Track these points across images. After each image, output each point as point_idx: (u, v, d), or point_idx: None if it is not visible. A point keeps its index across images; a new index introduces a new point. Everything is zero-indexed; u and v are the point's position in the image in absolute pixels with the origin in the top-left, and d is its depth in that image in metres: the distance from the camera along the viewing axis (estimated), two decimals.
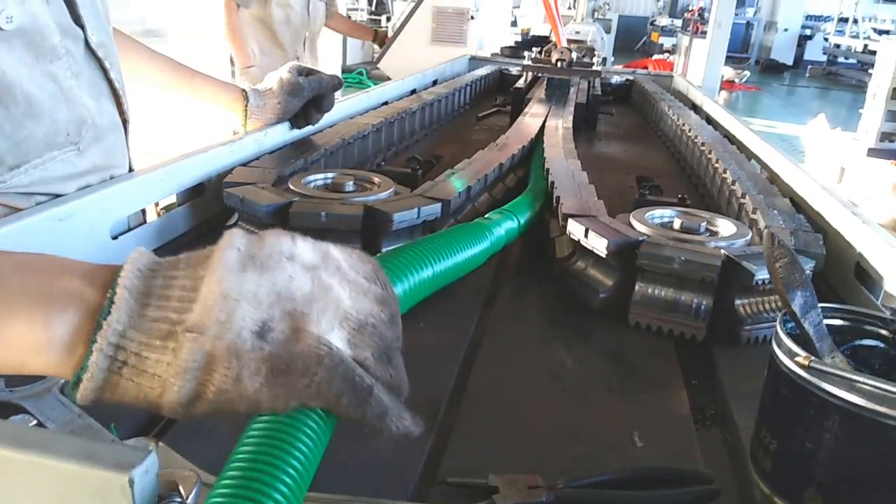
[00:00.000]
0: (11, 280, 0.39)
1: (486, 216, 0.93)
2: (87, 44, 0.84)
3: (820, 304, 0.60)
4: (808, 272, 0.83)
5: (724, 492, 0.54)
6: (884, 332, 0.59)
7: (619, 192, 1.37)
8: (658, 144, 1.91)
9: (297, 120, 1.26)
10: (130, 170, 0.96)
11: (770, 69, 15.25)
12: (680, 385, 0.70)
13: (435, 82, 2.38)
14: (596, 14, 5.18)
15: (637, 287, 0.81)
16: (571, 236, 0.88)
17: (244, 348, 0.37)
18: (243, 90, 1.20)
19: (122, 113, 0.93)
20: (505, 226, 0.92)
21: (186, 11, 4.48)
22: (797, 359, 0.51)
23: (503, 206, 1.00)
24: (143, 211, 0.94)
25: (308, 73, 1.24)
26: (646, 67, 11.10)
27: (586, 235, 0.85)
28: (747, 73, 12.49)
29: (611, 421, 0.63)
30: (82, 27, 0.82)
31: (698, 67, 2.98)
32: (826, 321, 0.60)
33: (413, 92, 2.09)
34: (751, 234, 0.87)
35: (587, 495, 0.52)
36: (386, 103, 1.81)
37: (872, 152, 4.98)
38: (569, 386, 0.69)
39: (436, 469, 0.56)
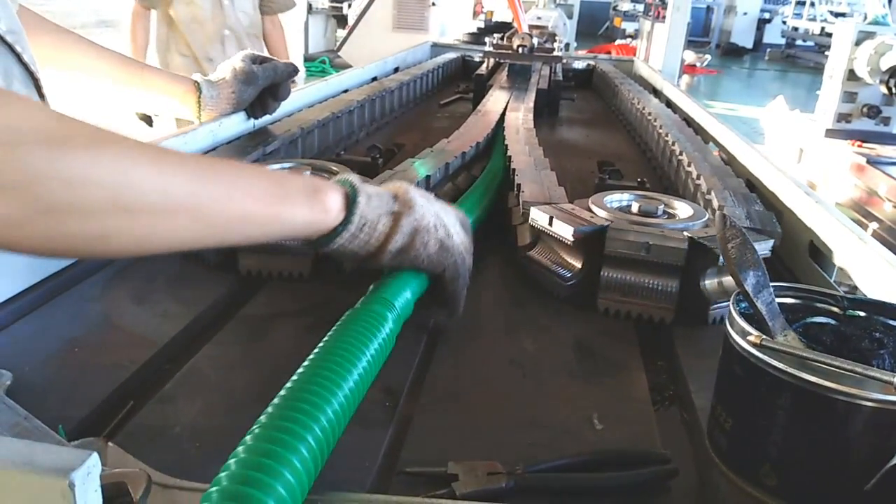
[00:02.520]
0: (287, 177, 0.68)
1: None
2: None
3: (772, 284, 0.60)
4: (766, 252, 0.85)
5: (682, 471, 0.55)
6: (835, 309, 0.60)
7: (580, 177, 1.38)
8: (619, 129, 1.93)
9: (252, 109, 1.24)
10: None
11: (730, 52, 15.45)
12: (640, 367, 0.71)
13: (396, 69, 2.36)
14: (558, 0, 5.19)
15: (603, 273, 0.81)
16: (535, 224, 0.88)
17: (431, 230, 0.68)
18: (195, 81, 1.17)
19: (41, 97, 0.89)
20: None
21: None
22: (749, 338, 0.52)
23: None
24: None
25: (262, 60, 1.22)
26: (609, 52, 11.16)
27: (550, 223, 0.85)
28: (708, 56, 12.64)
29: (570, 405, 0.64)
30: None
31: (660, 52, 3.01)
32: (779, 300, 0.60)
33: (374, 79, 2.07)
34: (707, 216, 0.88)
35: (546, 479, 0.52)
36: (346, 91, 1.80)
37: (830, 133, 5.07)
38: (529, 373, 0.69)
39: (395, 460, 0.55)
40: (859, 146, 4.90)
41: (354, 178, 0.67)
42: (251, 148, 1.12)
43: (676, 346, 0.75)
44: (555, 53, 2.28)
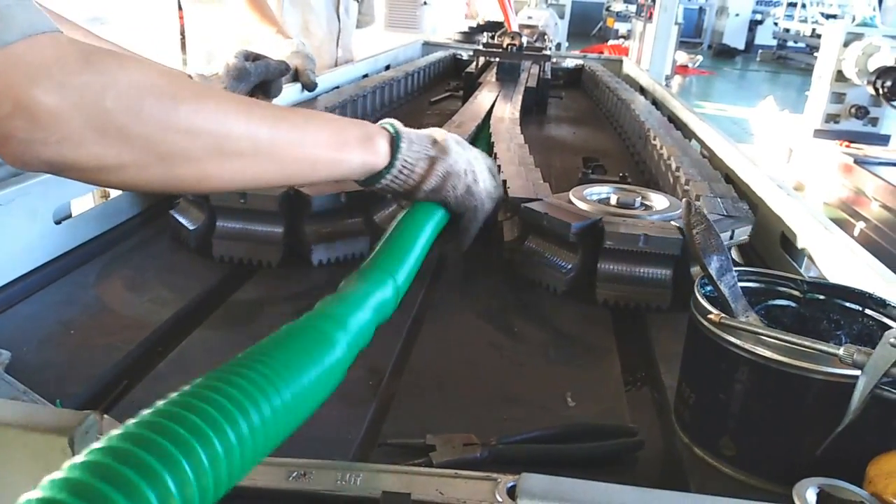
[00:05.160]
0: (346, 125, 0.74)
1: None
2: None
3: (736, 269, 0.64)
4: (745, 237, 0.88)
5: (649, 444, 0.58)
6: (795, 292, 0.64)
7: (565, 172, 1.41)
8: (606, 127, 1.96)
9: None
10: None
11: (722, 53, 15.52)
12: (613, 350, 0.74)
13: (387, 67, 2.38)
14: (549, 0, 5.22)
15: (601, 266, 0.83)
16: (529, 220, 0.90)
17: (461, 175, 0.78)
18: (189, 76, 1.19)
19: None
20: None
21: (132, 1, 4.38)
22: (710, 316, 0.55)
23: None
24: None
25: (255, 58, 1.25)
26: (601, 52, 11.19)
27: (545, 221, 0.87)
28: (700, 57, 12.70)
29: (545, 385, 0.67)
30: None
31: (649, 53, 3.05)
32: (743, 284, 0.64)
33: (365, 77, 2.10)
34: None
35: (518, 450, 0.55)
36: (337, 88, 1.82)
37: (818, 133, 5.12)
38: (506, 354, 0.72)
39: (377, 433, 0.58)
40: (847, 146, 4.95)
41: (398, 124, 0.77)
42: None
43: (650, 331, 0.78)
44: (544, 53, 2.31)
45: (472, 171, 0.81)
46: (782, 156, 5.60)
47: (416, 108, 2.12)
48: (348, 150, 0.71)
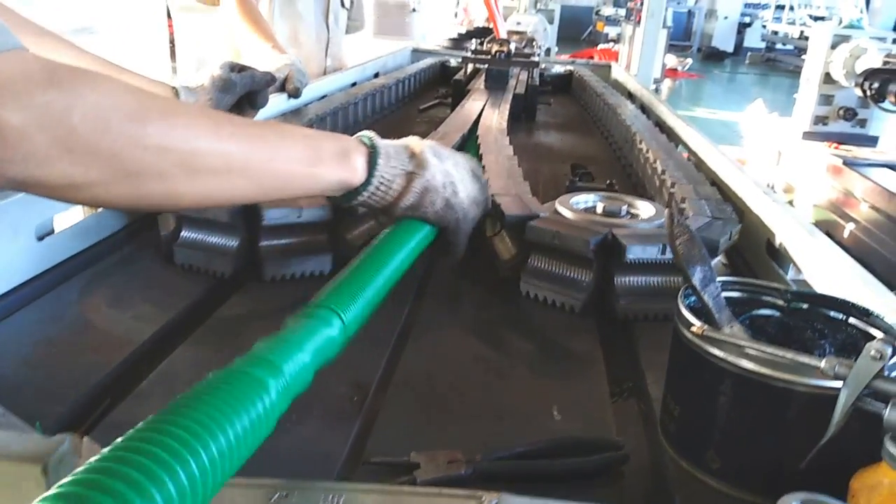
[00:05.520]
0: (321, 140, 0.72)
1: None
2: None
3: (720, 278, 0.64)
4: (732, 239, 0.88)
5: (636, 457, 0.58)
6: (779, 302, 0.64)
7: (553, 179, 1.41)
8: (594, 132, 1.96)
9: None
10: None
11: (712, 56, 15.61)
12: (600, 361, 0.74)
13: (377, 75, 2.38)
14: (538, 5, 5.22)
15: (618, 280, 0.82)
16: (536, 239, 0.86)
17: (439, 189, 0.77)
18: (174, 87, 1.19)
19: None
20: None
21: (118, 8, 4.37)
22: (693, 328, 0.55)
23: None
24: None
25: (241, 69, 1.24)
26: (591, 57, 11.22)
27: (556, 239, 0.84)
28: (690, 60, 12.75)
29: (531, 398, 0.66)
30: None
31: (639, 57, 3.06)
32: (726, 294, 0.64)
33: (353, 85, 2.10)
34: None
35: (503, 466, 0.55)
36: (324, 97, 1.82)
37: (807, 135, 5.15)
38: (493, 367, 0.72)
39: (362, 450, 0.58)
40: (836, 148, 4.98)
41: (376, 137, 0.76)
42: None
43: (636, 340, 0.78)
44: (533, 59, 2.31)
45: (450, 182, 0.79)
46: (772, 158, 5.63)
47: (406, 115, 2.12)
48: (324, 166, 0.71)
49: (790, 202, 5.34)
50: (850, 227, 4.44)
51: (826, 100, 5.12)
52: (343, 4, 2.40)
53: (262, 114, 1.42)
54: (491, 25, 3.98)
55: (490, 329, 0.80)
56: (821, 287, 0.77)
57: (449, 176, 0.79)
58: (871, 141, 5.12)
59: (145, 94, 0.59)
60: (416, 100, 2.32)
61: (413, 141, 0.80)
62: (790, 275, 0.86)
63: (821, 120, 5.17)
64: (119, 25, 4.51)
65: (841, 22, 7.39)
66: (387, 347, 0.73)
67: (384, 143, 0.77)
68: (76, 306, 0.80)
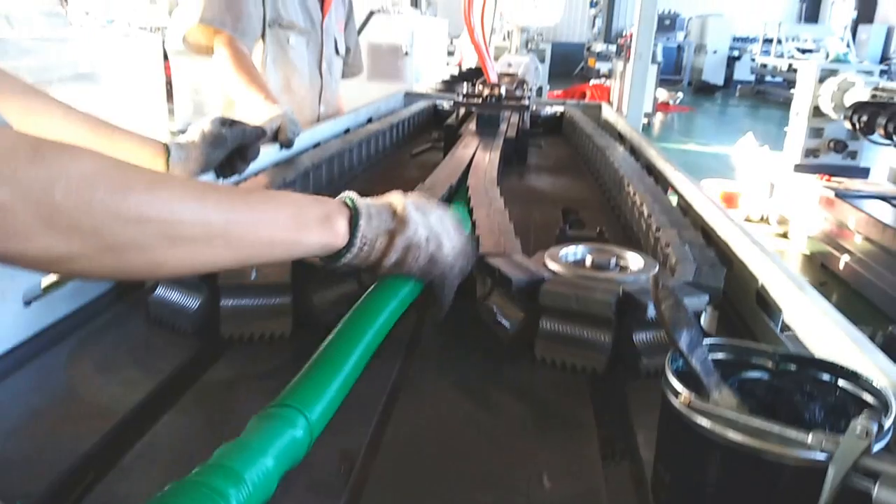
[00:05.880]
0: (304, 205, 0.73)
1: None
2: None
3: (708, 341, 0.63)
4: (704, 305, 0.87)
5: None
6: (768, 364, 0.63)
7: (544, 226, 1.42)
8: (585, 175, 1.98)
9: (222, 170, 1.27)
10: None
11: (702, 90, 15.84)
12: (591, 422, 0.73)
13: (370, 120, 2.41)
14: (529, 45, 5.30)
15: (636, 336, 0.81)
16: (554, 304, 0.83)
17: (422, 245, 0.78)
18: (164, 144, 1.20)
19: None
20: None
21: (119, 56, 4.43)
22: (680, 398, 0.54)
23: None
24: None
25: (231, 123, 1.25)
26: (584, 92, 11.41)
27: (576, 302, 0.81)
28: (681, 94, 12.94)
29: (521, 463, 0.65)
30: None
31: (628, 98, 3.11)
32: (714, 355, 0.63)
33: (347, 131, 2.12)
34: (657, 267, 0.91)
35: None
36: (318, 145, 1.84)
37: (799, 168, 5.20)
38: (484, 431, 0.71)
39: None
40: (828, 180, 5.02)
41: (357, 198, 0.76)
42: None
43: (628, 398, 0.77)
44: (523, 101, 2.34)
45: (435, 237, 0.80)
46: (765, 191, 5.67)
47: (399, 160, 2.14)
48: (306, 232, 0.71)
49: (785, 234, 5.37)
50: (845, 259, 4.45)
51: (816, 132, 5.18)
52: (338, 52, 2.43)
53: (256, 164, 1.43)
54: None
55: (481, 387, 0.80)
56: (809, 342, 0.76)
57: (433, 230, 0.79)
58: (863, 172, 5.16)
59: (128, 167, 0.59)
60: (410, 143, 2.35)
61: (395, 197, 0.80)
62: (780, 327, 0.86)
63: (812, 152, 5.22)
64: (118, 71, 4.56)
65: (828, 56, 7.51)
66: (375, 411, 0.73)
67: (366, 204, 0.77)
68: (62, 373, 0.79)
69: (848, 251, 4.40)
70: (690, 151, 9.01)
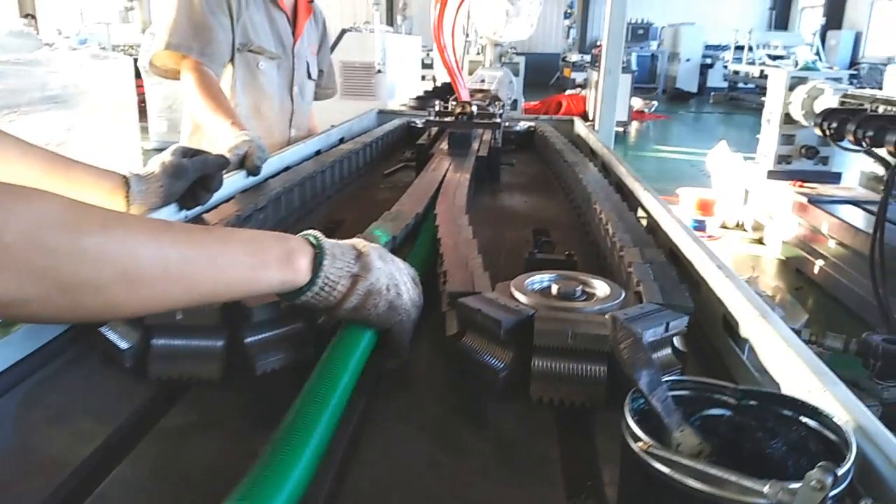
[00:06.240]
0: (265, 242, 0.73)
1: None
2: None
3: (669, 378, 0.62)
4: (683, 326, 0.86)
5: None
6: (730, 400, 0.62)
7: (515, 248, 1.41)
8: (557, 193, 1.98)
9: (184, 201, 1.25)
10: None
11: (677, 97, 16.03)
12: (556, 459, 0.72)
13: (342, 140, 2.39)
14: (503, 59, 5.32)
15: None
16: (547, 342, 0.80)
17: (382, 292, 0.78)
18: (124, 176, 1.18)
19: None
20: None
21: (89, 78, 4.38)
22: (638, 444, 0.53)
23: None
24: None
25: (193, 153, 1.24)
26: (560, 103, 11.48)
27: (573, 338, 0.78)
28: (655, 102, 13.08)
29: None
30: None
31: (599, 113, 3.13)
32: (677, 392, 0.62)
33: (318, 153, 2.10)
34: (623, 295, 0.91)
35: None
36: (287, 168, 1.82)
37: (772, 174, 5.26)
38: (447, 475, 0.69)
39: None
40: (800, 186, 5.08)
41: (322, 237, 0.77)
42: None
43: (594, 434, 0.76)
44: (495, 119, 2.34)
45: (395, 285, 0.81)
46: (739, 197, 5.73)
47: (370, 181, 2.12)
48: (266, 270, 0.71)
49: (760, 240, 5.42)
50: (819, 263, 4.50)
51: (788, 139, 5.24)
52: (310, 76, 2.41)
53: (224, 191, 1.41)
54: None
55: (445, 426, 0.78)
56: (773, 371, 0.76)
57: (393, 279, 0.81)
58: (835, 177, 5.23)
59: (82, 206, 0.58)
60: (383, 163, 2.33)
61: (360, 242, 0.81)
62: (746, 353, 0.85)
63: (784, 159, 5.28)
64: (89, 92, 4.50)
65: (797, 64, 7.62)
66: (335, 459, 0.70)
67: (330, 244, 0.77)
68: (13, 423, 0.76)
69: (822, 256, 4.44)
70: (667, 159, 9.09)
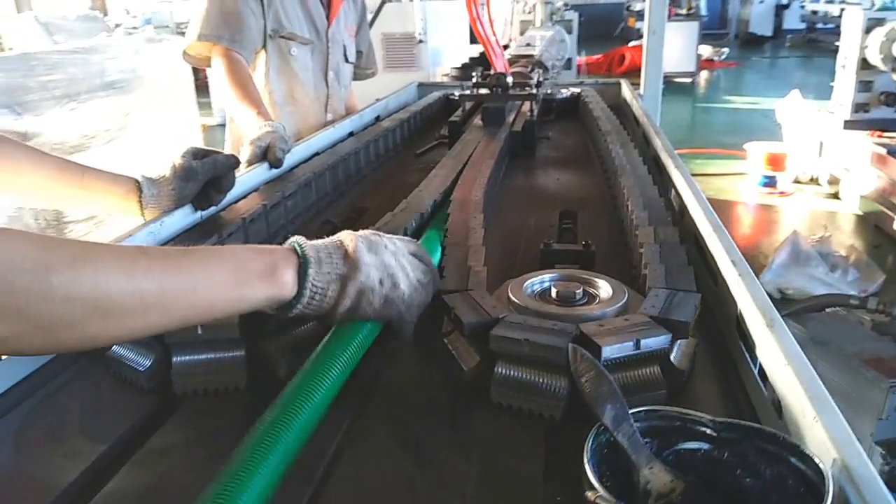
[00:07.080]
0: (246, 258, 0.71)
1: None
2: None
3: (643, 408, 0.58)
4: (665, 344, 0.78)
5: None
6: (708, 431, 0.58)
7: (539, 232, 1.36)
8: (595, 166, 1.90)
9: (198, 202, 1.25)
10: None
11: (750, 42, 15.17)
12: (538, 478, 0.68)
13: (377, 119, 2.36)
14: (554, 17, 5.10)
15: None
16: (501, 349, 0.78)
17: (376, 289, 0.76)
18: (136, 181, 1.19)
19: None
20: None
21: (146, 61, 4.48)
22: (588, 493, 0.50)
23: None
24: None
25: (203, 155, 1.24)
26: (623, 55, 11.06)
27: (527, 347, 0.75)
28: (726, 49, 12.44)
29: None
30: None
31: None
32: (653, 423, 0.58)
33: (351, 135, 2.08)
34: (626, 297, 0.86)
35: None
36: (317, 154, 1.81)
37: (849, 124, 4.93)
38: (421, 496, 0.68)
39: None
40: (879, 136, 4.76)
41: (305, 244, 0.75)
42: (201, 239, 1.15)
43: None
44: (531, 90, 2.25)
45: (389, 276, 0.78)
46: (814, 150, 5.42)
47: (404, 161, 2.09)
48: (249, 287, 0.70)
49: (836, 195, 5.12)
50: None
51: (865, 86, 4.90)
52: (347, 59, 2.38)
53: (244, 184, 1.42)
54: (504, 45, 3.90)
55: (427, 444, 0.76)
56: (778, 378, 0.70)
57: (387, 269, 0.78)
58: None
59: (52, 243, 0.58)
60: (419, 139, 2.30)
61: (346, 237, 0.78)
62: (758, 366, 0.79)
63: (861, 107, 4.95)
64: (146, 76, 4.60)
65: (874, 5, 7.04)
66: (312, 480, 0.70)
67: (314, 248, 0.75)
68: (10, 444, 0.78)
69: None
70: (739, 110, 8.66)
